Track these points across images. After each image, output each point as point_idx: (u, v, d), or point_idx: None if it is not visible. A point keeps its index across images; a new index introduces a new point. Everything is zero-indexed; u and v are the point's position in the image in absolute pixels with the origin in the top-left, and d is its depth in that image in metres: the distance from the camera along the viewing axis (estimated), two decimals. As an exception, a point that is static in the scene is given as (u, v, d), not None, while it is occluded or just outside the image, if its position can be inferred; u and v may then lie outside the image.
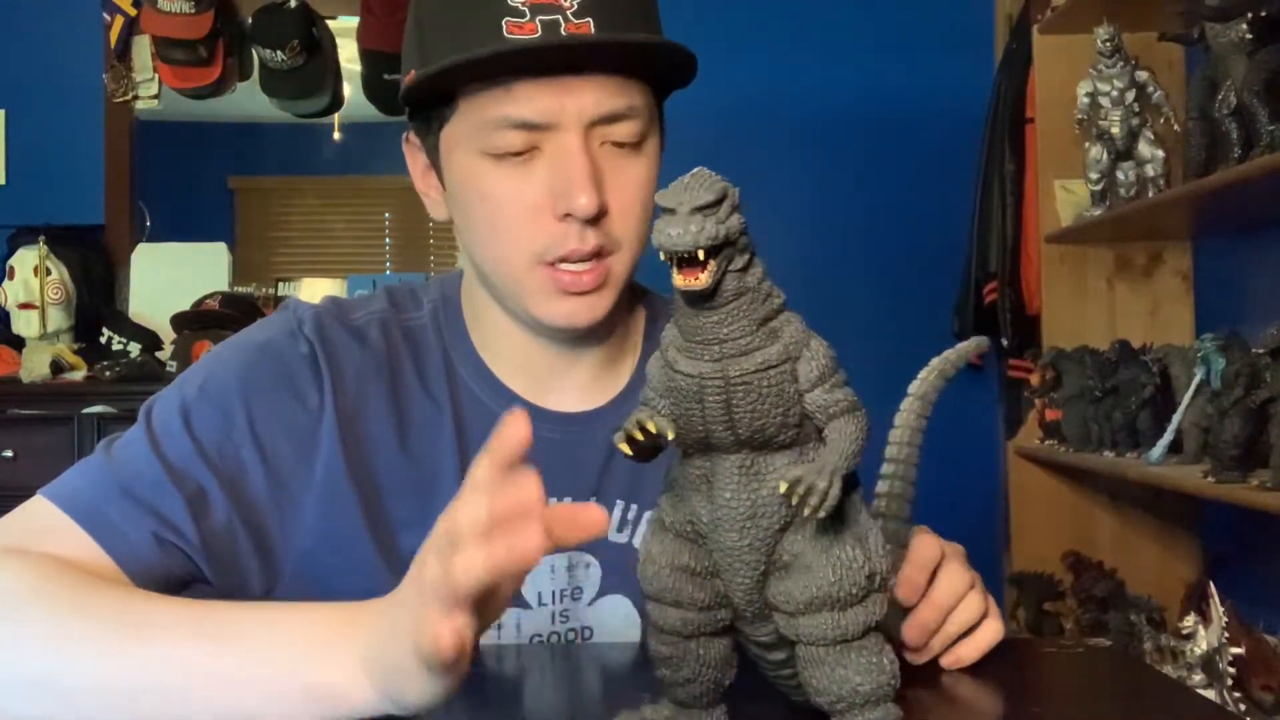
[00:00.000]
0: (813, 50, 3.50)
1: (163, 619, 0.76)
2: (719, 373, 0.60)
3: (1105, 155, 2.52)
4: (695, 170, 0.60)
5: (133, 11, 3.37)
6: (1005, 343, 3.09)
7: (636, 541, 0.99)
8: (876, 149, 3.48)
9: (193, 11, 3.31)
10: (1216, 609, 1.81)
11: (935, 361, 0.79)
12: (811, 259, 3.46)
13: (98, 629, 0.75)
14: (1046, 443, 2.67)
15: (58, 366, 2.94)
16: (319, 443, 0.95)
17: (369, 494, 0.95)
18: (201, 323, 2.98)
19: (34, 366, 2.94)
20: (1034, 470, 2.84)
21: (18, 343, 3.09)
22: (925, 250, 3.44)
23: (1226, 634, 1.78)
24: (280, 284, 3.83)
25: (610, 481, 1.00)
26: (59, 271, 3.13)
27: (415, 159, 1.00)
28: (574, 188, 0.88)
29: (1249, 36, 1.98)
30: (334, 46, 3.47)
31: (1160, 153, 2.47)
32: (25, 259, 3.11)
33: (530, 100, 0.88)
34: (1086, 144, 2.57)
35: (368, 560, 0.94)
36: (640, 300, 1.09)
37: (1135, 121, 2.48)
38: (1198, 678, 1.82)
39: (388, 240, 4.80)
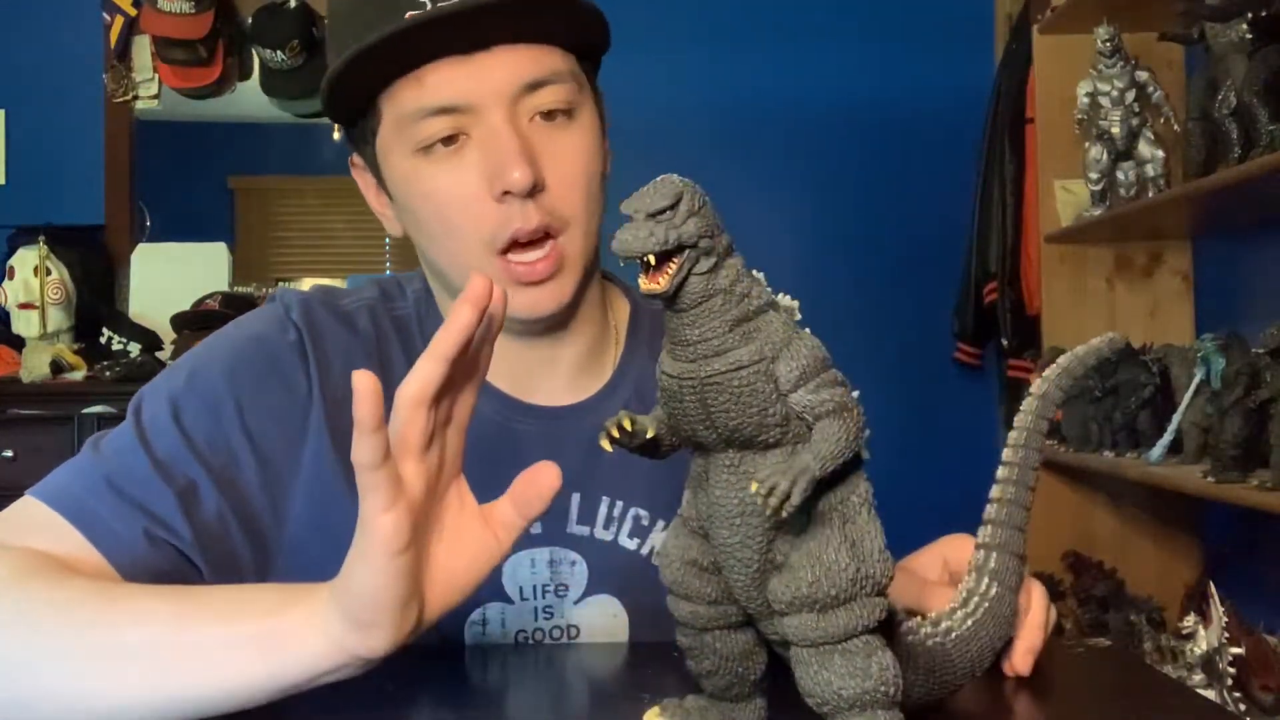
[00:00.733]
0: (813, 50, 3.50)
1: (134, 595, 0.77)
2: (693, 373, 0.61)
3: (1105, 155, 2.52)
4: (660, 177, 0.61)
5: (133, 11, 3.37)
6: (1005, 343, 3.09)
7: (623, 539, 0.99)
8: (876, 149, 3.48)
9: (193, 11, 3.31)
10: (1216, 609, 1.81)
11: (1063, 359, 0.78)
12: (811, 259, 3.46)
13: (68, 610, 0.75)
14: (1047, 443, 2.67)
15: (58, 366, 2.94)
16: (308, 430, 0.95)
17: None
18: (201, 323, 2.98)
19: (34, 366, 2.94)
20: (1033, 470, 2.84)
21: (18, 343, 3.09)
22: (925, 250, 3.44)
23: (1226, 634, 1.79)
24: (280, 284, 3.83)
25: (596, 478, 0.99)
26: (59, 271, 3.13)
27: (365, 181, 1.00)
28: (505, 163, 0.88)
29: (1249, 36, 1.98)
30: (334, 46, 3.47)
31: (1160, 153, 2.47)
32: (25, 259, 3.12)
33: (443, 84, 0.88)
34: (1086, 144, 2.57)
35: None
36: (623, 294, 1.09)
37: (1135, 121, 2.48)
38: (1198, 678, 1.82)
39: (387, 240, 4.80)
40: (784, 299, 0.64)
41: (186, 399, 0.94)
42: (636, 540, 1.00)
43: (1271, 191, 2.06)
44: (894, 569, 0.62)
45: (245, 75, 3.46)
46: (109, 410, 2.78)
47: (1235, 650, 1.78)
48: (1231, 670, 1.77)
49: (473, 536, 0.69)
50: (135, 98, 3.42)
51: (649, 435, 0.64)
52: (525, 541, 0.97)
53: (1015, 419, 0.77)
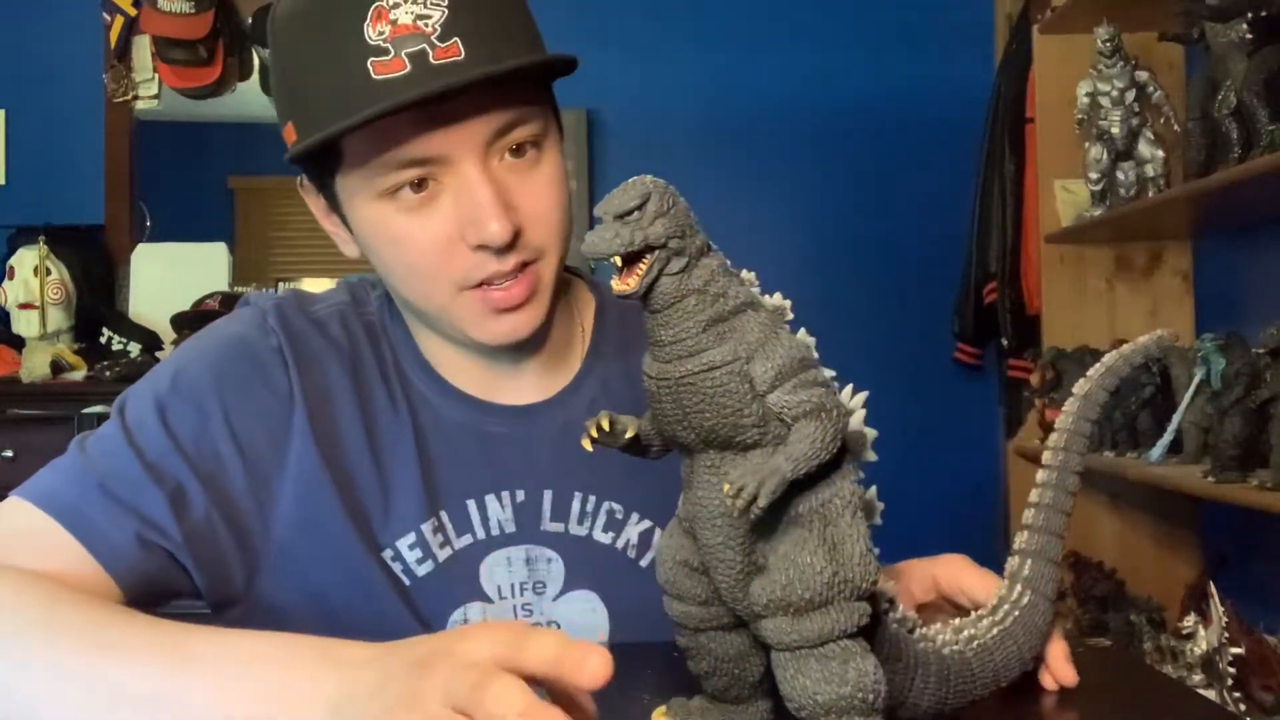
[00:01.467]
0: (813, 51, 3.50)
1: (135, 641, 0.73)
2: (668, 374, 0.61)
3: (1105, 155, 2.52)
4: (632, 179, 0.61)
5: (133, 11, 3.36)
6: (1005, 343, 3.09)
7: (598, 533, 0.99)
8: (877, 149, 3.48)
9: (193, 11, 3.31)
10: (1216, 609, 1.81)
11: (1109, 357, 0.75)
12: (811, 259, 3.46)
13: (65, 648, 0.73)
14: (1046, 443, 2.66)
15: (58, 366, 2.94)
16: (292, 432, 0.95)
17: (343, 482, 0.95)
18: (201, 323, 2.97)
19: (34, 366, 2.94)
20: (1034, 470, 2.82)
21: (18, 343, 3.09)
22: (925, 250, 3.44)
23: (1226, 634, 1.78)
24: (280, 284, 3.83)
25: (567, 473, 0.99)
26: (59, 271, 3.13)
27: (315, 203, 0.98)
28: (483, 217, 0.86)
29: (1249, 36, 1.98)
30: (334, 46, 3.47)
31: (1160, 153, 2.47)
32: (25, 259, 3.11)
33: (413, 140, 0.85)
34: (1086, 144, 2.57)
35: (347, 547, 0.94)
36: (589, 289, 1.09)
37: (1135, 121, 2.48)
38: (1198, 678, 1.82)
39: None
40: (775, 299, 0.64)
41: (172, 400, 0.94)
42: (611, 534, 0.99)
43: (1271, 191, 2.06)
44: (878, 574, 0.60)
45: (245, 75, 3.46)
46: (109, 410, 2.77)
47: (1235, 650, 1.78)
48: (1231, 670, 1.77)
49: None
50: (135, 98, 3.42)
51: (628, 436, 0.64)
52: (500, 541, 0.97)
53: (1057, 420, 0.74)
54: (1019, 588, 0.75)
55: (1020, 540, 0.75)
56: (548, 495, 0.99)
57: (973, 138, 3.23)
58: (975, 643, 0.72)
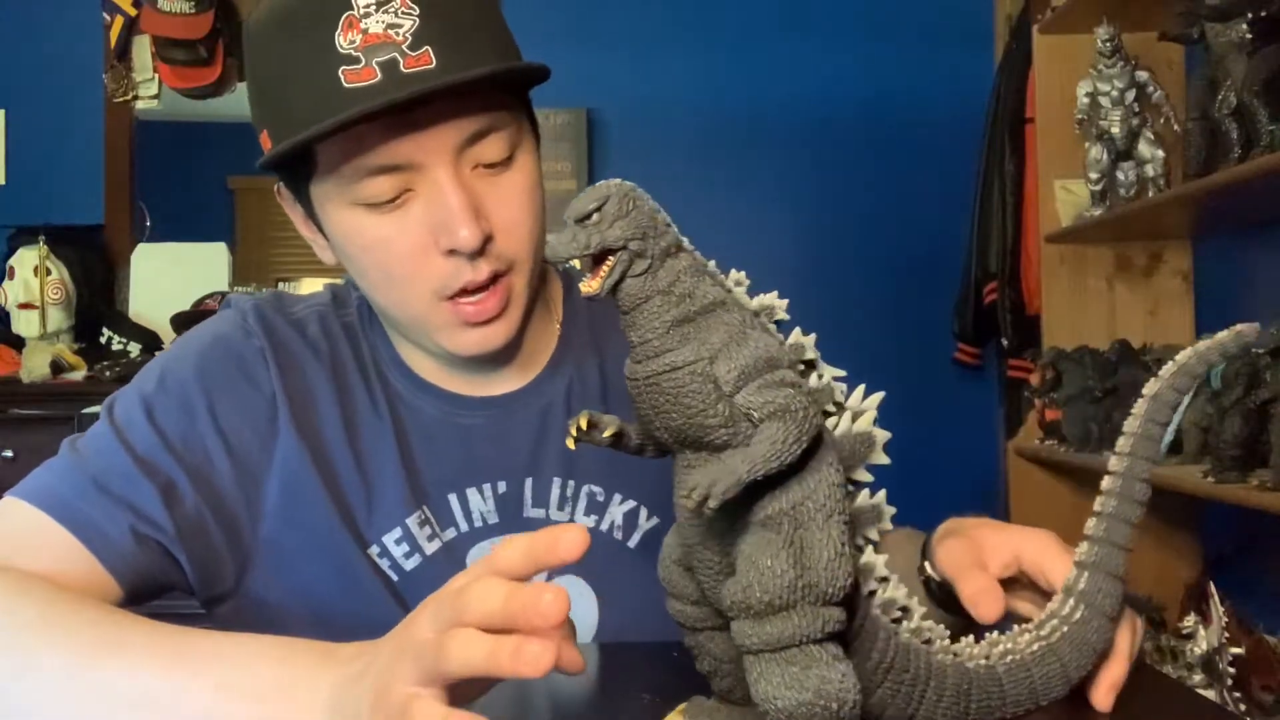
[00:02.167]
0: (813, 50, 3.50)
1: (132, 641, 0.73)
2: (637, 374, 0.61)
3: (1105, 155, 2.52)
4: (599, 182, 0.61)
5: (133, 11, 3.36)
6: (1005, 343, 3.09)
7: (580, 517, 1.00)
8: (876, 149, 3.48)
9: (193, 11, 3.31)
10: (1216, 609, 1.81)
11: (1182, 355, 0.70)
12: (811, 259, 3.46)
13: (63, 649, 0.74)
14: (1046, 443, 2.67)
15: (58, 366, 2.94)
16: (278, 430, 0.96)
17: (328, 479, 0.96)
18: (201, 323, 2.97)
19: (34, 366, 2.94)
20: (1034, 470, 2.84)
21: (18, 343, 3.09)
22: (925, 250, 3.44)
23: (1226, 634, 1.78)
24: (280, 284, 3.83)
25: (545, 460, 1.00)
26: (59, 271, 3.13)
27: (293, 210, 0.99)
28: (453, 223, 0.86)
29: (1249, 36, 1.98)
30: (334, 46, 3.47)
31: (1160, 153, 2.47)
32: (25, 259, 3.11)
33: (384, 146, 0.86)
34: (1086, 144, 2.57)
35: (335, 543, 0.95)
36: (557, 275, 1.09)
37: (1135, 121, 2.48)
38: (1198, 678, 1.82)
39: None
40: (770, 298, 0.63)
41: (159, 399, 0.95)
42: (594, 517, 1.00)
43: (1271, 191, 2.06)
44: (850, 580, 0.59)
45: (245, 75, 3.45)
46: (100, 411, 2.77)
47: (1235, 650, 1.78)
48: (1231, 670, 1.77)
49: None
50: (135, 98, 3.42)
51: (606, 435, 0.64)
52: (485, 531, 0.98)
53: (1125, 423, 0.70)
54: (1072, 602, 0.70)
55: (1080, 551, 0.71)
56: (528, 483, 0.99)
57: (973, 138, 3.23)
58: (1010, 658, 0.68)
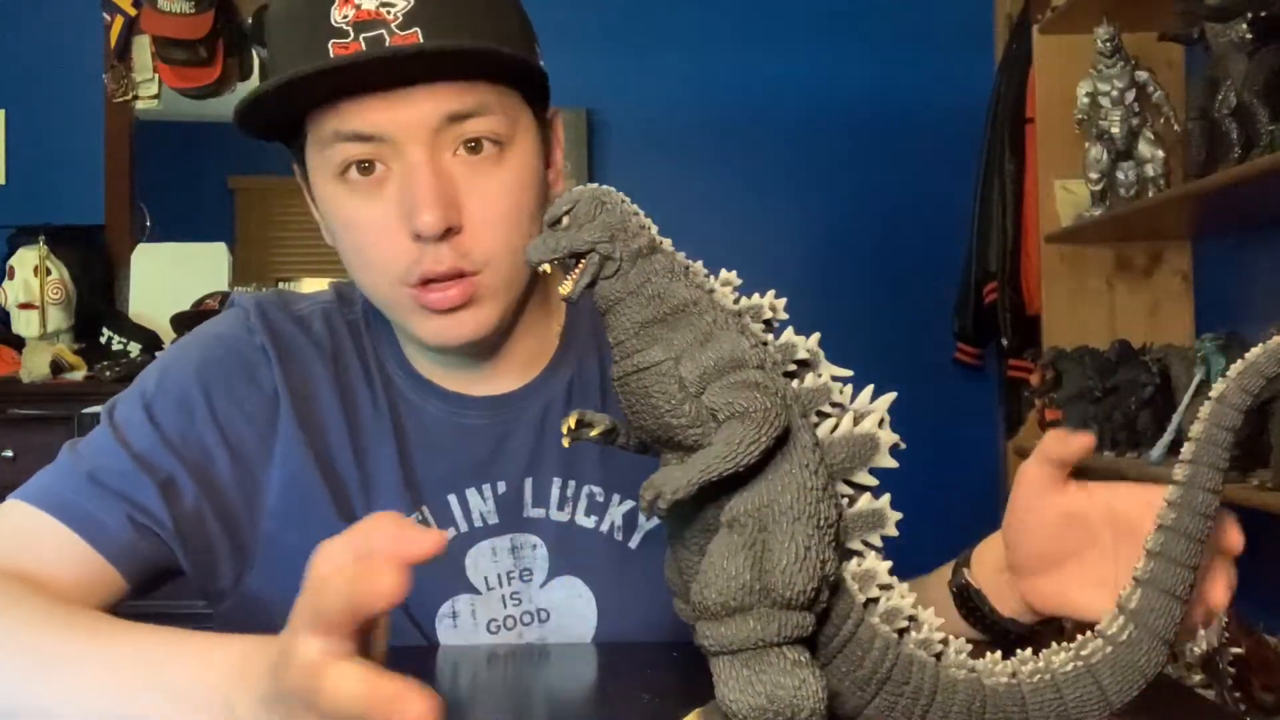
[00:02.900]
0: (813, 50, 3.50)
1: (78, 644, 0.73)
2: (613, 374, 0.62)
3: (1105, 155, 2.52)
4: (575, 188, 0.62)
5: (133, 11, 3.36)
6: (1005, 343, 3.09)
7: (580, 518, 0.99)
8: (877, 149, 3.48)
9: (193, 11, 3.31)
10: (1216, 609, 1.80)
11: (1253, 353, 0.63)
12: (811, 259, 3.46)
13: (12, 649, 0.74)
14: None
15: (58, 366, 2.94)
16: (279, 428, 0.96)
17: (329, 477, 0.96)
18: (201, 323, 2.97)
19: (34, 366, 2.94)
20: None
21: (18, 343, 3.09)
22: (925, 250, 3.44)
23: (1226, 634, 1.78)
24: (280, 284, 3.83)
25: (545, 459, 0.99)
26: (59, 271, 3.13)
27: (306, 189, 0.99)
28: (418, 205, 0.85)
29: (1249, 36, 1.98)
30: (334, 46, 3.47)
31: (1160, 153, 2.47)
32: (25, 259, 3.11)
33: (359, 115, 0.86)
34: (1086, 144, 2.57)
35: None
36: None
37: (1135, 121, 2.48)
38: (1198, 678, 1.82)
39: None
40: (767, 298, 0.63)
41: (159, 398, 0.95)
42: (594, 518, 1.00)
43: (1271, 191, 2.06)
44: (814, 585, 0.58)
45: (245, 75, 3.45)
46: (101, 413, 2.77)
47: (1235, 650, 1.78)
48: (1231, 670, 1.77)
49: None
50: (135, 98, 3.42)
51: (595, 433, 0.64)
52: (484, 532, 0.98)
53: (1191, 429, 0.64)
54: (1120, 620, 0.64)
55: (1136, 567, 0.65)
56: (528, 483, 0.99)
57: (973, 138, 3.23)
58: (1038, 676, 0.64)
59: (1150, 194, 2.45)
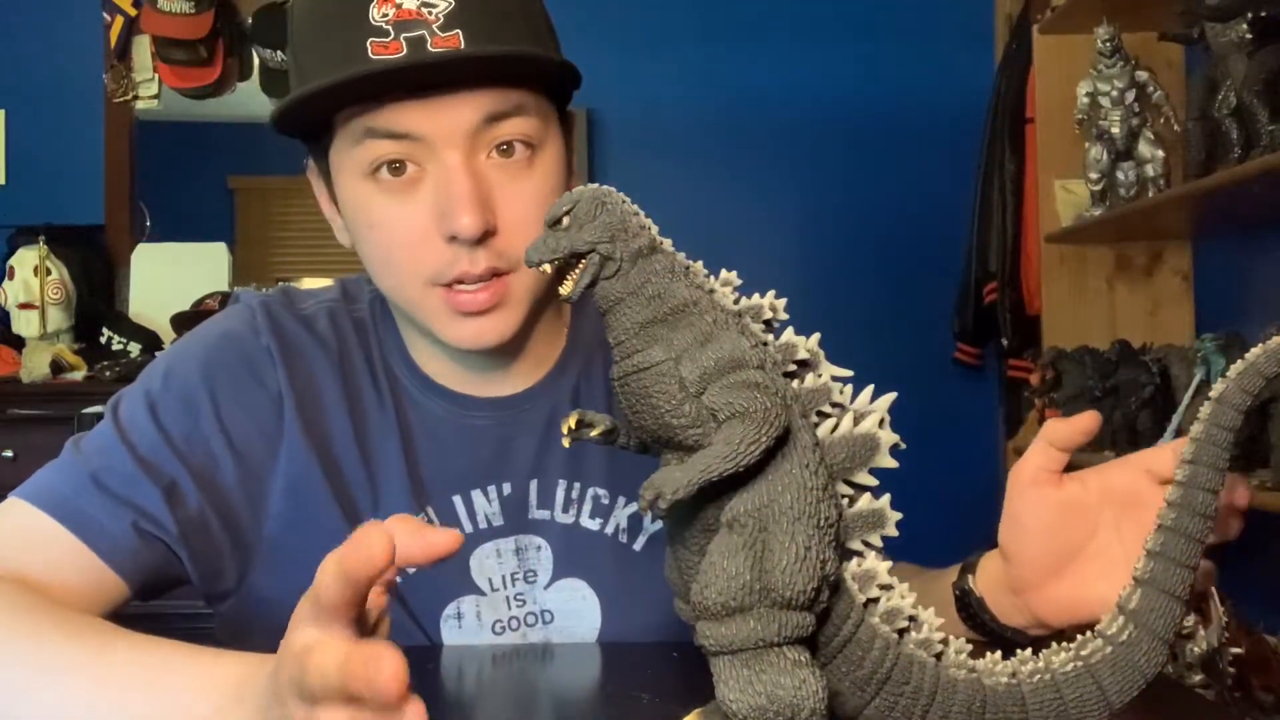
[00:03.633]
0: (813, 50, 3.50)
1: (75, 655, 0.73)
2: (613, 375, 0.62)
3: (1105, 155, 2.52)
4: (576, 189, 0.62)
5: (133, 11, 3.37)
6: (1005, 343, 3.09)
7: (585, 520, 0.99)
8: (876, 149, 3.48)
9: (193, 11, 3.31)
10: (1216, 609, 1.81)
11: (1253, 353, 0.63)
12: (811, 259, 3.47)
13: (10, 658, 0.74)
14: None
15: (58, 366, 2.94)
16: (284, 429, 0.95)
17: (333, 478, 0.95)
18: (201, 323, 2.97)
19: (34, 366, 2.94)
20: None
21: (18, 343, 3.09)
22: (925, 250, 3.44)
23: (1226, 634, 1.78)
24: (280, 284, 3.83)
25: (550, 461, 0.99)
26: (59, 271, 3.13)
27: (319, 187, 0.98)
28: (456, 208, 0.85)
29: (1249, 36, 1.98)
30: (334, 46, 3.47)
31: (1160, 153, 2.47)
32: (25, 259, 3.11)
33: (397, 115, 0.86)
34: (1086, 144, 2.57)
35: (339, 541, 0.94)
36: None
37: (1135, 121, 2.48)
38: (1198, 678, 1.81)
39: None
40: (767, 298, 0.63)
41: (163, 398, 0.95)
42: (599, 520, 1.00)
43: (1271, 191, 2.06)
44: (814, 586, 0.58)
45: (245, 75, 3.46)
46: (104, 410, 2.77)
47: (1235, 650, 1.77)
48: (1231, 670, 1.77)
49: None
50: (135, 98, 3.42)
51: (595, 433, 0.64)
52: (489, 533, 0.98)
53: (1191, 429, 0.64)
54: (1120, 621, 0.65)
55: (1136, 567, 0.65)
56: (533, 485, 0.99)
57: (973, 138, 3.23)
58: (1038, 676, 0.64)
59: (1150, 194, 2.45)
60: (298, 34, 0.91)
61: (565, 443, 0.65)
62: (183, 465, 0.92)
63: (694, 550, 0.62)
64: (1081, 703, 0.64)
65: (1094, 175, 2.54)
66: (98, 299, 3.22)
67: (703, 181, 3.43)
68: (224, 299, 3.11)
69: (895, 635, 0.64)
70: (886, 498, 0.63)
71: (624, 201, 0.62)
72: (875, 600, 0.64)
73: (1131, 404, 2.33)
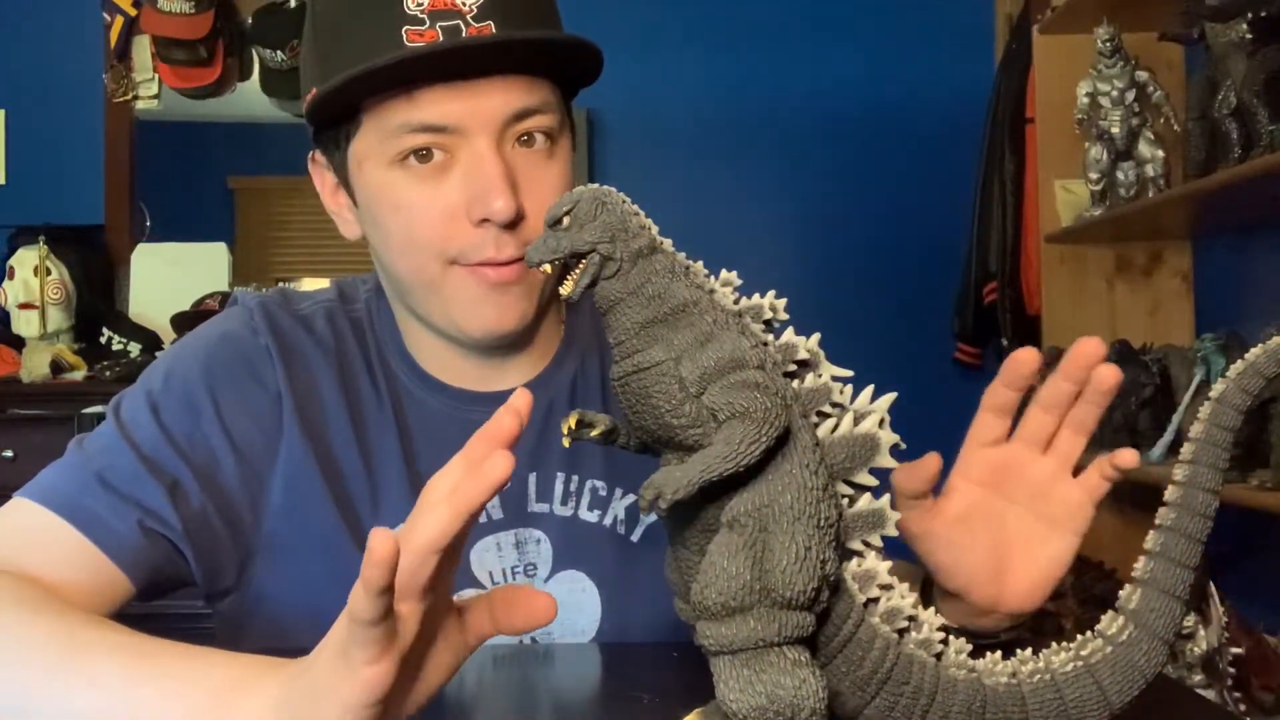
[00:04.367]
0: (813, 50, 3.51)
1: (95, 650, 0.73)
2: (613, 375, 0.62)
3: (1105, 155, 2.52)
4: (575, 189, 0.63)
5: (133, 11, 3.37)
6: (1005, 343, 3.09)
7: (583, 512, 1.00)
8: (877, 149, 3.48)
9: (193, 11, 3.31)
10: (1216, 609, 1.81)
11: (1253, 353, 0.63)
12: (812, 259, 3.47)
13: (29, 651, 0.74)
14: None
15: (58, 366, 2.94)
16: (283, 427, 0.96)
17: (331, 475, 0.96)
18: (201, 323, 2.97)
19: (34, 366, 2.94)
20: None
21: (18, 343, 3.09)
22: (925, 250, 3.44)
23: (1226, 634, 1.79)
24: (280, 284, 3.83)
25: (548, 455, 1.00)
26: (59, 271, 3.13)
27: (324, 179, 0.99)
28: (490, 192, 0.87)
29: (1249, 36, 1.99)
30: (334, 46, 3.47)
31: (1160, 153, 2.47)
32: (25, 259, 3.11)
33: (434, 105, 0.87)
34: (1086, 144, 2.57)
35: (336, 540, 0.95)
36: None
37: (1135, 121, 2.48)
38: (1198, 678, 1.82)
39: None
40: (767, 298, 0.63)
41: (165, 398, 0.95)
42: (597, 512, 1.00)
43: (1271, 191, 2.06)
44: (814, 586, 0.58)
45: (245, 75, 3.46)
46: (106, 410, 2.77)
47: (1235, 650, 1.78)
48: (1231, 670, 1.77)
49: (449, 640, 0.64)
50: (135, 98, 3.42)
51: (595, 433, 0.65)
52: (489, 527, 0.98)
53: (1191, 429, 0.64)
54: (1120, 621, 0.65)
55: (1136, 567, 0.66)
56: (532, 478, 1.00)
57: (973, 138, 3.23)
58: (1038, 676, 0.64)
59: (1150, 194, 2.46)
60: (324, 23, 0.92)
61: (565, 443, 0.65)
62: (185, 464, 0.93)
63: (694, 550, 0.62)
64: (1081, 703, 0.64)
65: (1094, 175, 2.54)
66: (98, 299, 3.22)
67: (703, 181, 3.43)
68: (224, 299, 3.11)
69: (895, 635, 0.64)
70: (886, 498, 0.63)
71: (624, 201, 0.62)
72: (875, 600, 0.64)
73: (1131, 404, 2.33)
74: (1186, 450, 0.64)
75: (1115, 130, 2.48)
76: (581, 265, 0.61)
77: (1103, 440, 2.40)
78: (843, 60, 3.50)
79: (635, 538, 1.00)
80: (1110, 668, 0.64)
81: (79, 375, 2.96)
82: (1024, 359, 0.78)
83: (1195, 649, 1.83)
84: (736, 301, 0.63)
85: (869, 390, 0.64)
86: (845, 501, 0.63)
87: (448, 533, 0.57)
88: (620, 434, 0.66)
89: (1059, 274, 2.83)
